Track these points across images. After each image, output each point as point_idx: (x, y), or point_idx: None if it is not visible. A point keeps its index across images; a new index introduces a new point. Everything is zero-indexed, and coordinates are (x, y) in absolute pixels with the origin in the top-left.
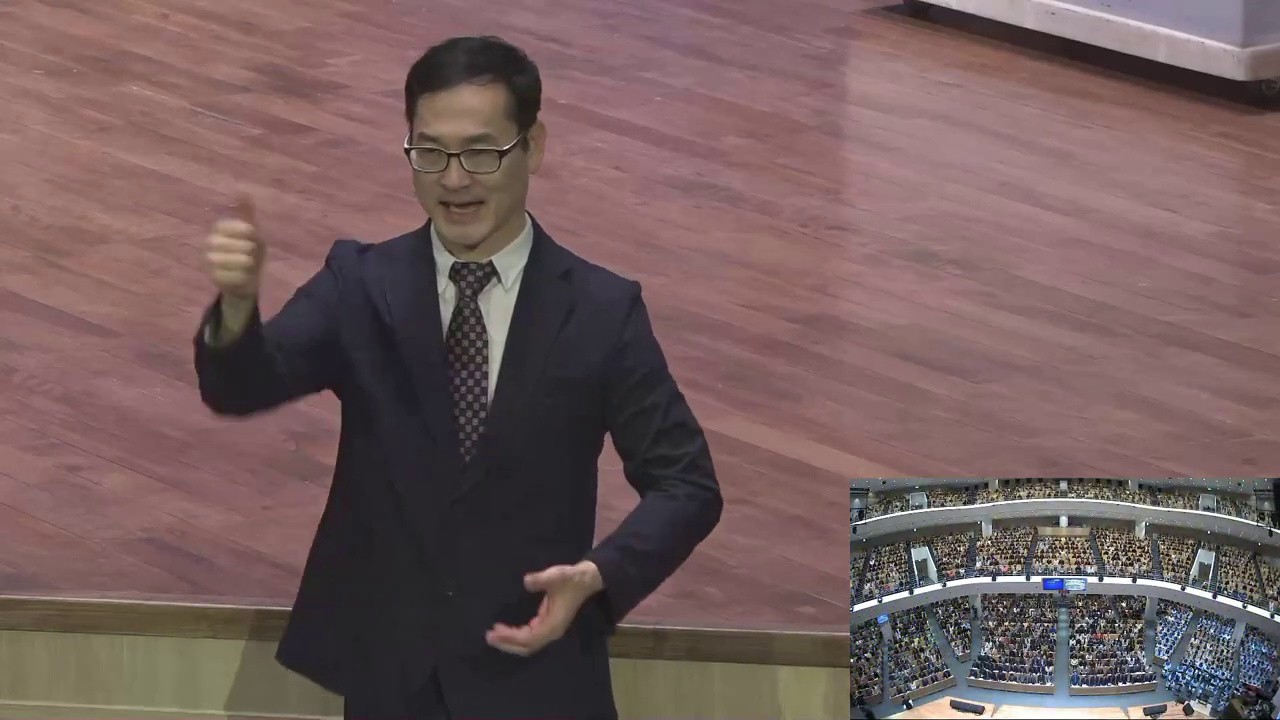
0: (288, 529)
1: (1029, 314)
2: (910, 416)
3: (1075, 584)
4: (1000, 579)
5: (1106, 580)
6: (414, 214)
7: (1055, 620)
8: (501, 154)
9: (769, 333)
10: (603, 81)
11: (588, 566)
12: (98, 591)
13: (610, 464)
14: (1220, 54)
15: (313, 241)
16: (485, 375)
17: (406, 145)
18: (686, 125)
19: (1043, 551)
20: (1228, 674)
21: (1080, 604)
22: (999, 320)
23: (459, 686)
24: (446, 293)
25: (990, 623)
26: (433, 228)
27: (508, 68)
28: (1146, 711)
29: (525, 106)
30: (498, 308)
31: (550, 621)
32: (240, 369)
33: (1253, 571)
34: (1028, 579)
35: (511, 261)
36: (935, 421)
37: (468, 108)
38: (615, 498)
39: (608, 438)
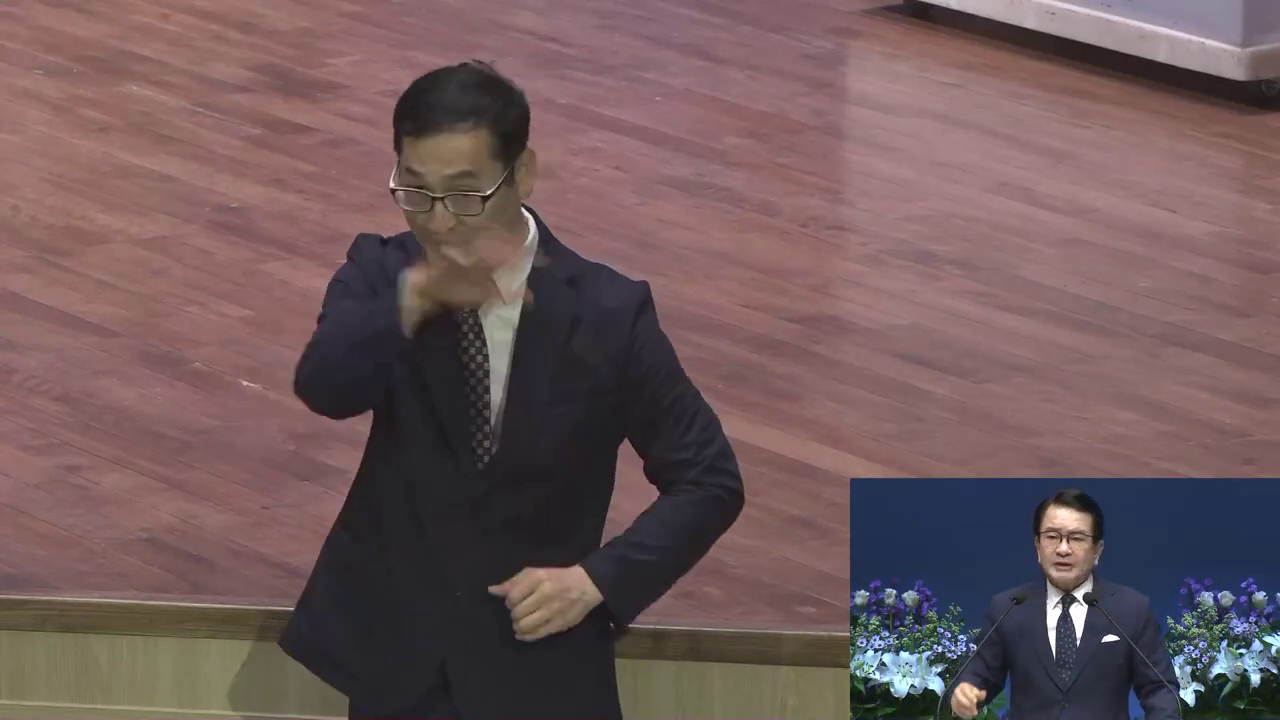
0: (288, 529)
1: (1029, 314)
2: (910, 416)
3: None
4: None
5: None
6: None
7: None
8: (485, 198)
9: (769, 333)
10: (603, 81)
11: (570, 576)
12: (97, 591)
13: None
14: (1220, 54)
15: (312, 241)
16: (487, 389)
17: (392, 185)
18: (686, 125)
19: None
20: None
21: None
22: (999, 320)
23: (467, 684)
24: None
25: None
26: None
27: (492, 107)
28: None
29: (510, 142)
30: (503, 321)
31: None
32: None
33: None
34: None
35: (514, 276)
36: (935, 421)
37: (450, 155)
38: (621, 498)
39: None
